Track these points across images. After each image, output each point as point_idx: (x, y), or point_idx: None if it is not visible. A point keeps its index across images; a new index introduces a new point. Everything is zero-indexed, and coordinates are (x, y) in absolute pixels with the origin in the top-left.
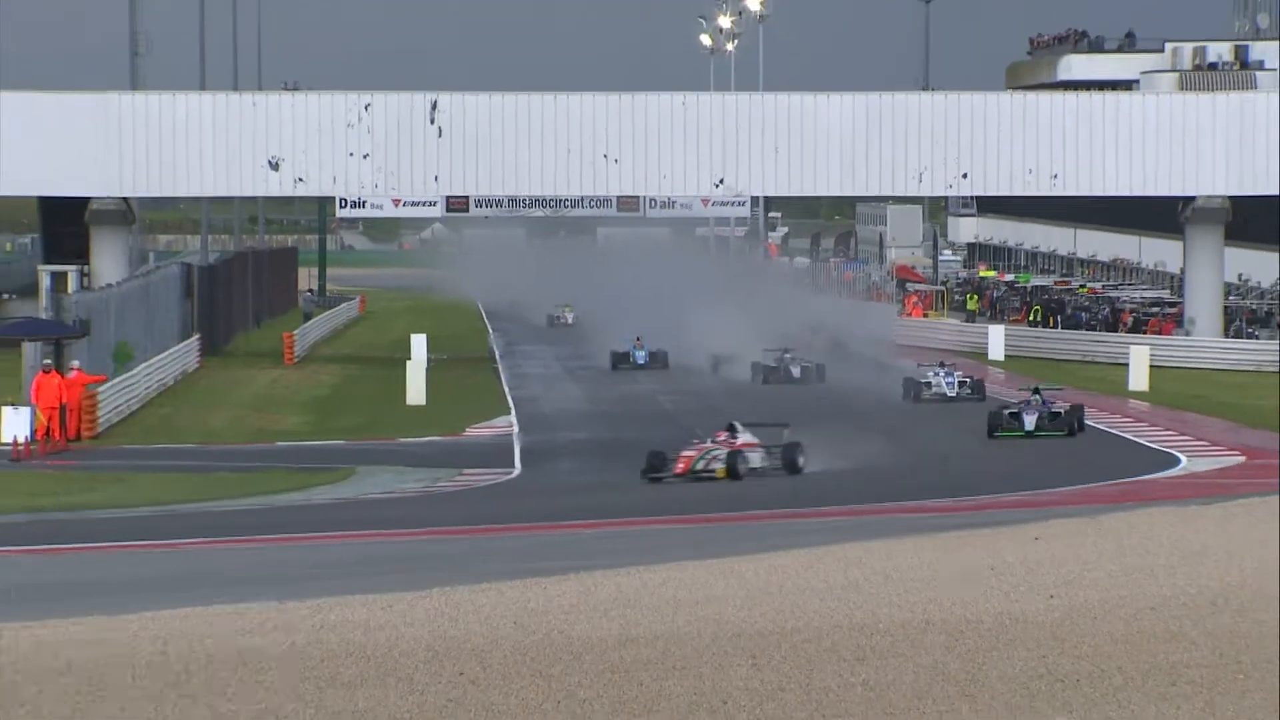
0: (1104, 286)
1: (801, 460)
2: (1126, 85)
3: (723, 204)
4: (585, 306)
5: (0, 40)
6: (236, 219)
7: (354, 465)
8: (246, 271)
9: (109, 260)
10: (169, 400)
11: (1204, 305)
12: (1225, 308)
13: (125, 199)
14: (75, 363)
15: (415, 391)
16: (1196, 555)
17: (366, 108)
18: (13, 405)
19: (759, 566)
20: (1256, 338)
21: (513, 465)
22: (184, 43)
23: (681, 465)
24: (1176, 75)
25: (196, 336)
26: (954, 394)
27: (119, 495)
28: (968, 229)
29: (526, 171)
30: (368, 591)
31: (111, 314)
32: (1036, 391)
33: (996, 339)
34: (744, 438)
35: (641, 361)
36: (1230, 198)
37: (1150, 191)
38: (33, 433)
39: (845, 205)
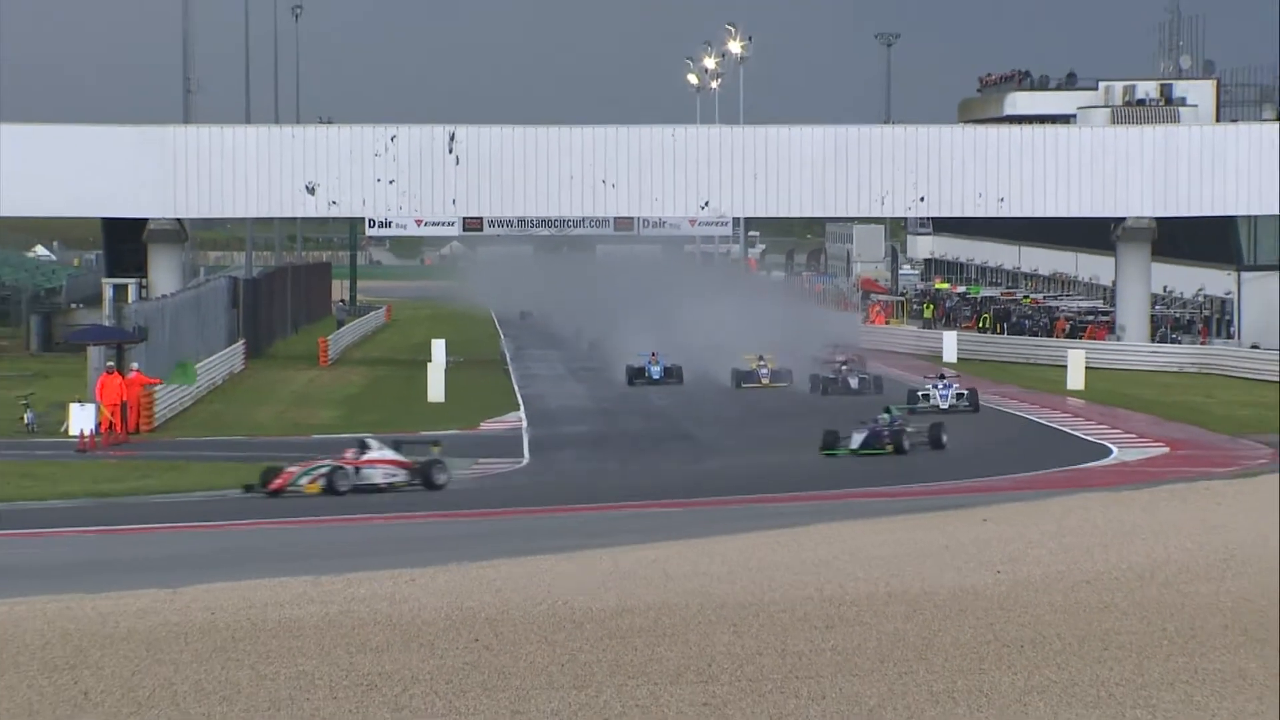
0: (1045, 297)
1: (444, 478)
2: (1065, 119)
3: (707, 224)
4: (589, 311)
5: (70, 79)
6: (277, 237)
7: None
8: (286, 284)
9: (165, 274)
10: (218, 398)
11: (1133, 314)
12: (1152, 316)
13: (179, 220)
14: (135, 364)
15: (435, 390)
16: (1127, 535)
17: (392, 139)
18: (80, 402)
19: (739, 545)
20: (1179, 342)
21: (522, 455)
22: (231, 82)
23: (279, 481)
24: (1109, 110)
25: (242, 341)
26: (947, 405)
27: (173, 482)
28: (924, 246)
29: (534, 195)
30: (393, 567)
31: (167, 322)
32: (888, 410)
33: (950, 344)
34: (373, 454)
35: (657, 376)
36: (1156, 219)
37: (1085, 213)
38: (97, 426)
39: (816, 225)
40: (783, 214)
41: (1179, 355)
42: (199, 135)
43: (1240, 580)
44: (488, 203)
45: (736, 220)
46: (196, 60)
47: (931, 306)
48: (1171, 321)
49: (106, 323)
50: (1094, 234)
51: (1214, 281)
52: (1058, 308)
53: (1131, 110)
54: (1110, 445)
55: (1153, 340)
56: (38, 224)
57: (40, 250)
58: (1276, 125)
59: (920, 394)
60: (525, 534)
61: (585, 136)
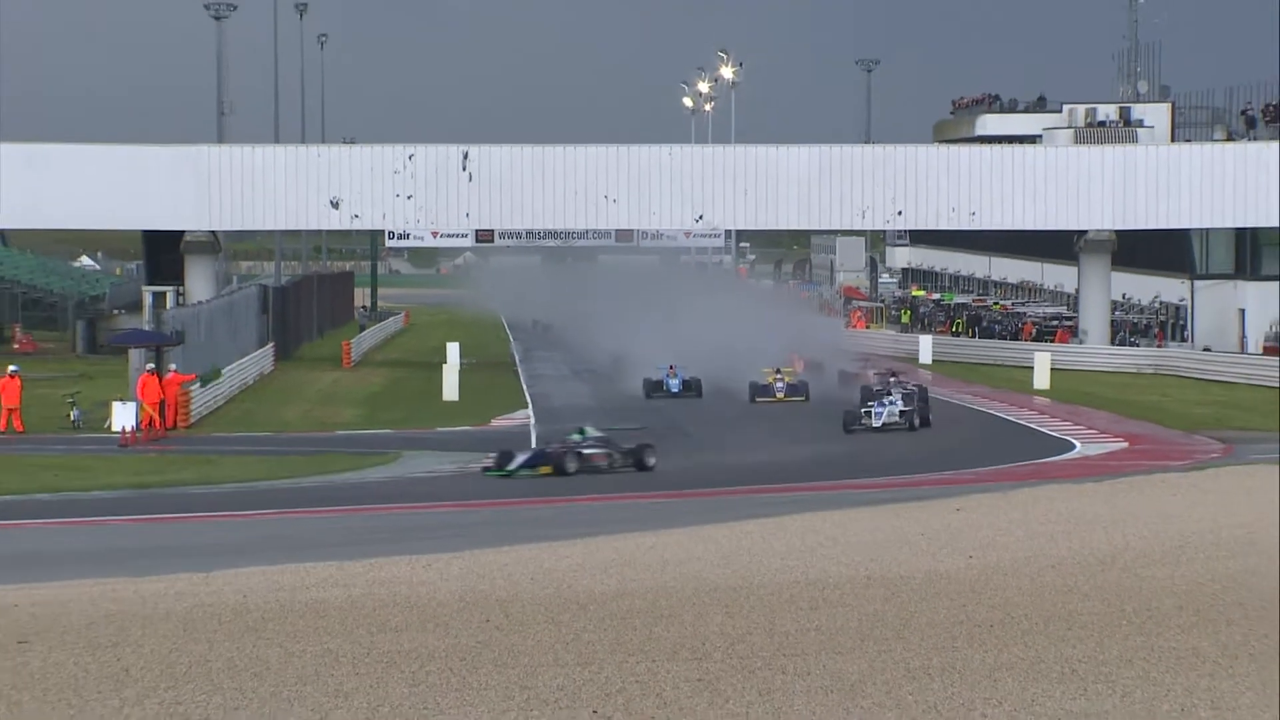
0: (1013, 304)
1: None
2: (1031, 139)
3: (701, 236)
4: (603, 321)
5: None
6: (304, 248)
7: (400, 450)
8: (312, 291)
9: (200, 282)
10: (249, 397)
11: (1094, 319)
12: (1112, 321)
13: (213, 232)
14: (173, 365)
15: (450, 389)
16: (1088, 523)
17: (410, 157)
18: (121, 401)
19: (731, 533)
20: (1137, 345)
21: (530, 450)
22: (261, 105)
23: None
24: (1072, 131)
25: (271, 344)
26: (880, 425)
27: (208, 474)
28: (902, 256)
29: (541, 209)
30: (411, 553)
31: (202, 326)
32: (581, 431)
33: (925, 347)
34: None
35: (675, 390)
36: (1115, 231)
37: (1050, 226)
38: (137, 423)
39: (802, 237)
40: (771, 227)
41: (1137, 357)
42: (232, 154)
43: (1193, 565)
44: (498, 216)
45: (728, 232)
46: (229, 85)
47: (908, 312)
48: (1130, 326)
49: (146, 327)
50: (1058, 245)
51: (1169, 289)
52: (1025, 313)
53: (1093, 131)
54: (1073, 440)
55: (1113, 343)
56: (83, 236)
57: (85, 260)
58: (1227, 145)
59: (863, 412)
60: (532, 522)
61: (588, 155)
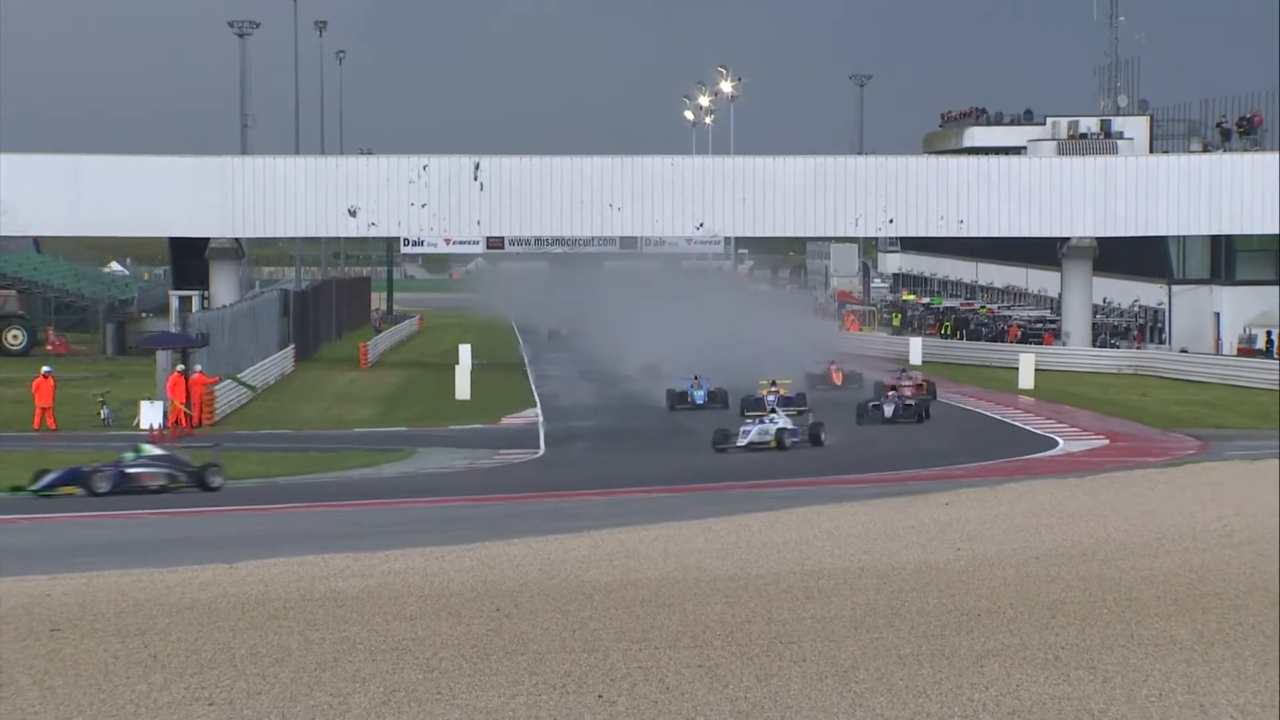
0: (999, 307)
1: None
2: (1016, 150)
3: (702, 243)
4: (618, 327)
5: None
6: (323, 254)
7: (414, 446)
8: (331, 295)
9: (224, 287)
10: (270, 396)
11: (1077, 322)
12: (1093, 324)
13: (237, 239)
14: (198, 366)
15: (462, 389)
16: (1071, 517)
17: (424, 168)
18: (149, 400)
19: (730, 525)
20: (1117, 347)
21: (538, 446)
22: (282, 118)
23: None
24: (1055, 143)
25: (292, 346)
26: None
27: (232, 469)
28: (894, 262)
29: (549, 217)
30: (425, 545)
31: (226, 329)
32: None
33: (915, 348)
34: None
35: (700, 401)
36: (1097, 238)
37: (1035, 233)
38: (165, 421)
39: (798, 244)
40: (769, 234)
41: (1117, 358)
42: (254, 165)
43: (1171, 557)
44: (508, 224)
45: (728, 239)
46: (252, 100)
47: (899, 315)
48: (1110, 329)
49: (173, 329)
50: (1042, 252)
51: (1148, 294)
52: (1010, 316)
53: (1075, 143)
54: (1057, 438)
55: (1094, 345)
56: (113, 243)
57: (115, 266)
58: (1203, 156)
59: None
60: (541, 516)
61: (594, 166)
